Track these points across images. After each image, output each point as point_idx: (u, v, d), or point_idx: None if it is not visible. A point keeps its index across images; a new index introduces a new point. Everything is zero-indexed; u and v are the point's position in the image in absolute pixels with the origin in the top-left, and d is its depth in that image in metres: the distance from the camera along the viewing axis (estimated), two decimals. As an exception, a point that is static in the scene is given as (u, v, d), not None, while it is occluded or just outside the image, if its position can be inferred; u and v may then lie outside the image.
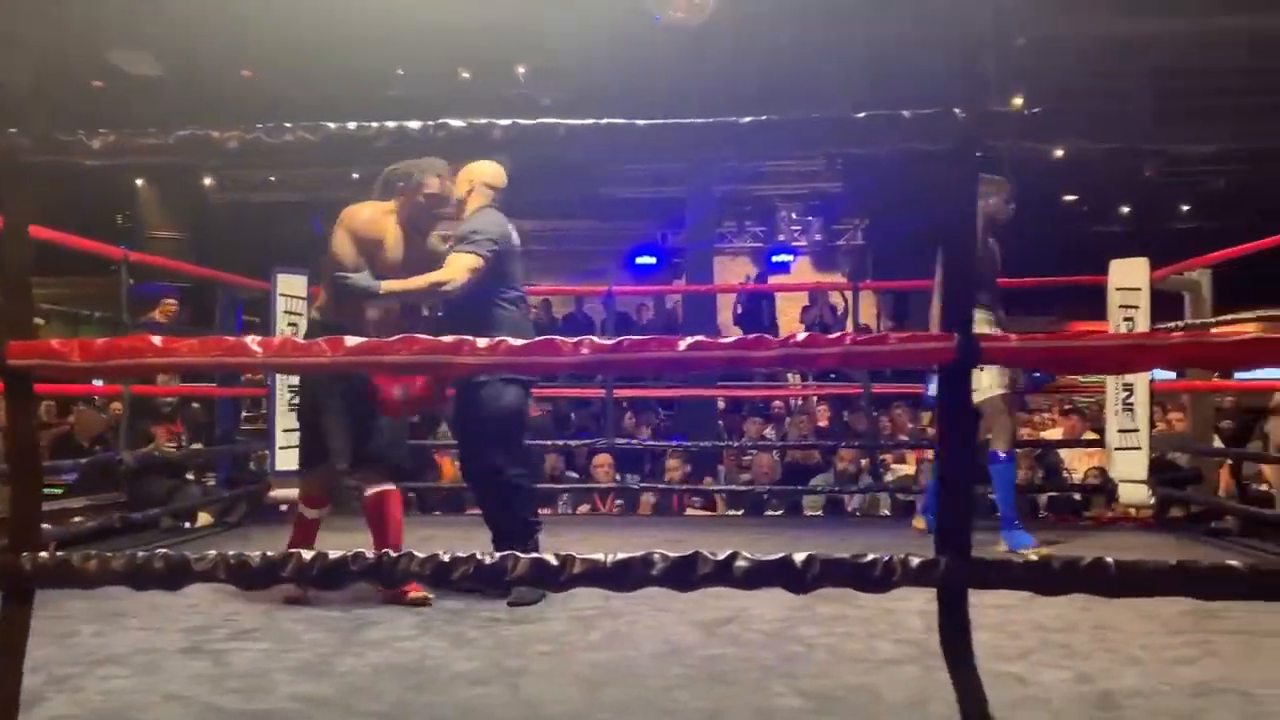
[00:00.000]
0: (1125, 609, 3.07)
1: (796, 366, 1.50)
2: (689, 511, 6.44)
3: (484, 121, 1.38)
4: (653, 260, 12.79)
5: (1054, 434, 7.16)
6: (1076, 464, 6.54)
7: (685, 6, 6.56)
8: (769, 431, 8.66)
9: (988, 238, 4.35)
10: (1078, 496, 6.10)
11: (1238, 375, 7.04)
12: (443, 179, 3.42)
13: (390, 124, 1.40)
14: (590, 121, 1.35)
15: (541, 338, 1.37)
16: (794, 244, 13.08)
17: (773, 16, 7.16)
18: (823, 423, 8.58)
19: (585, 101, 7.67)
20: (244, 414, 7.39)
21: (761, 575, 1.31)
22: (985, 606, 3.03)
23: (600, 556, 1.30)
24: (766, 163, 11.22)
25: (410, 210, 3.42)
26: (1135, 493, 5.11)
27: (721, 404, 9.75)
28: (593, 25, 7.26)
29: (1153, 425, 5.28)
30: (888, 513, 6.15)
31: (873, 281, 10.69)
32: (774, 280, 12.86)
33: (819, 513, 6.37)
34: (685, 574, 1.30)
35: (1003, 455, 4.39)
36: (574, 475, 6.73)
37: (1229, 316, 4.97)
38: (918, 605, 3.10)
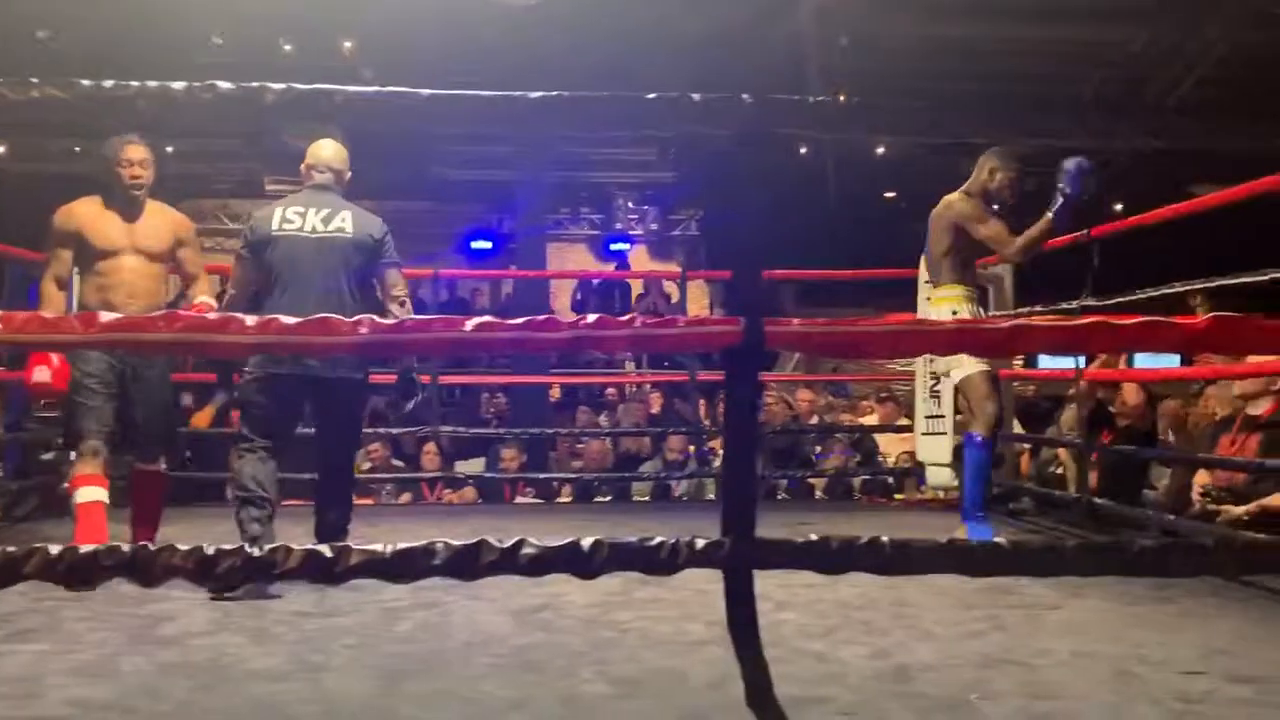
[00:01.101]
0: (925, 586, 3.19)
1: (586, 349, 1.48)
2: (519, 500, 6.40)
3: (255, 85, 1.30)
4: (488, 245, 12.61)
5: (871, 420, 7.46)
6: (891, 448, 6.83)
7: (515, -13, 6.47)
8: (602, 419, 8.70)
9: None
10: (890, 479, 6.37)
11: (1042, 364, 7.51)
12: (131, 146, 3.56)
13: (152, 84, 1.30)
14: (371, 89, 1.29)
15: (317, 316, 1.31)
16: (631, 232, 13.16)
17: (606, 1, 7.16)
18: (655, 410, 8.68)
19: (412, 80, 7.46)
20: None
21: (548, 562, 1.28)
22: (795, 586, 3.13)
23: (378, 547, 1.24)
24: (601, 150, 11.20)
25: (116, 189, 3.59)
26: (940, 475, 5.38)
27: (558, 393, 9.74)
28: (423, 2, 7.08)
29: (958, 411, 5.56)
30: (713, 497, 6.27)
31: (705, 271, 10.85)
32: (610, 269, 12.91)
33: (647, 499, 6.44)
34: (468, 563, 1.26)
35: (979, 440, 4.01)
36: (400, 464, 6.57)
37: (1025, 309, 5.28)
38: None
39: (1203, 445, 5.03)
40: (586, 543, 1.29)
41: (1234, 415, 4.63)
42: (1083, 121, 1.62)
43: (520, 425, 7.01)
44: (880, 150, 10.08)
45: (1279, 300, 3.41)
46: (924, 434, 5.36)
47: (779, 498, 6.47)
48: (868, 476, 6.37)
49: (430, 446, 6.22)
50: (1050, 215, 3.94)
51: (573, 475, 6.58)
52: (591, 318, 1.32)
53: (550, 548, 1.28)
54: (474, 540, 1.28)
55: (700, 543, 1.31)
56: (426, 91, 1.31)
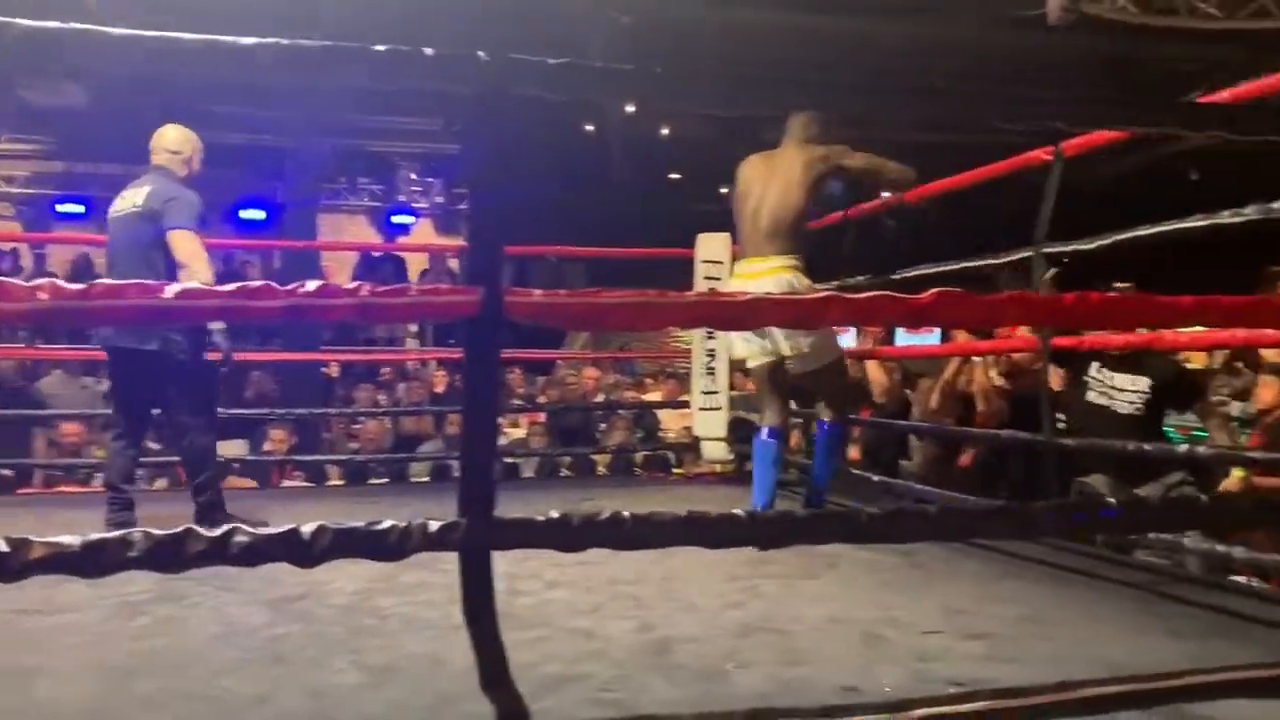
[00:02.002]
0: (693, 558, 3.25)
1: (309, 318, 1.36)
2: (286, 483, 6.10)
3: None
4: (261, 215, 11.95)
5: (654, 396, 7.58)
6: (672, 424, 6.96)
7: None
8: (383, 398, 8.42)
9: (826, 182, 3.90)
10: (670, 454, 6.49)
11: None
12: None
13: None
14: (52, 24, 1.13)
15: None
16: (414, 205, 12.79)
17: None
18: (439, 389, 8.49)
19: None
20: None
21: (263, 550, 1.18)
22: (568, 564, 3.12)
23: (66, 539, 1.11)
24: (383, 118, 10.80)
25: None
26: (716, 449, 5.52)
27: (337, 371, 9.35)
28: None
29: (733, 387, 5.72)
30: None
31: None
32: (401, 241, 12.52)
33: (426, 480, 6.29)
34: (172, 554, 1.14)
35: (764, 433, 3.99)
36: (156, 447, 6.12)
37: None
38: (503, 568, 3.12)
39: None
40: (307, 529, 1.20)
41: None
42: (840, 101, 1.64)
43: (291, 404, 6.68)
44: (665, 132, 10.24)
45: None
46: (700, 409, 5.47)
47: (562, 475, 6.47)
48: (649, 452, 6.46)
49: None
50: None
51: (343, 457, 6.33)
52: (312, 285, 1.22)
53: (266, 535, 1.18)
54: (179, 529, 1.16)
55: (434, 525, 1.24)
56: (118, 30, 1.16)
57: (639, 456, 6.52)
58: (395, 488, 5.93)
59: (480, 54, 1.25)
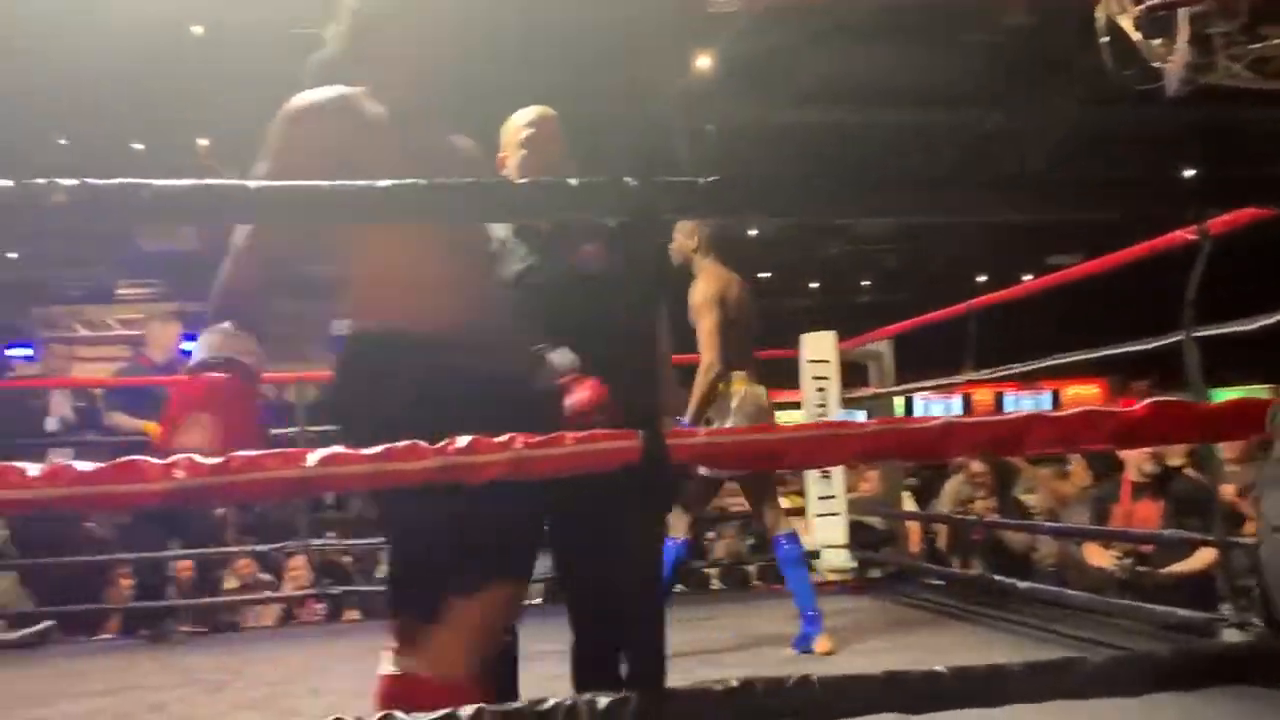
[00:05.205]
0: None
1: (458, 478, 1.24)
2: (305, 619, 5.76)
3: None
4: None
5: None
6: (783, 531, 6.70)
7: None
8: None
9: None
10: (787, 564, 6.22)
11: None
12: None
13: None
14: (184, 183, 1.08)
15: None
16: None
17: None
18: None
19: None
20: None
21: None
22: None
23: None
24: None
25: None
26: (837, 558, 5.28)
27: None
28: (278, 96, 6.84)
29: (849, 489, 5.49)
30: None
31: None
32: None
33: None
34: None
35: (783, 539, 3.58)
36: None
37: (913, 385, 5.29)
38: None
39: (1077, 514, 5.06)
40: (465, 713, 1.07)
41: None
42: (940, 197, 1.52)
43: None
44: (753, 232, 10.24)
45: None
46: (818, 515, 5.25)
47: (676, 589, 6.24)
48: (764, 562, 6.20)
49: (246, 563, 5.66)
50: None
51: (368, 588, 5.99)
52: (463, 440, 1.12)
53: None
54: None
55: (602, 702, 1.10)
56: (254, 184, 1.10)
57: (753, 567, 6.27)
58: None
59: (628, 180, 1.17)
